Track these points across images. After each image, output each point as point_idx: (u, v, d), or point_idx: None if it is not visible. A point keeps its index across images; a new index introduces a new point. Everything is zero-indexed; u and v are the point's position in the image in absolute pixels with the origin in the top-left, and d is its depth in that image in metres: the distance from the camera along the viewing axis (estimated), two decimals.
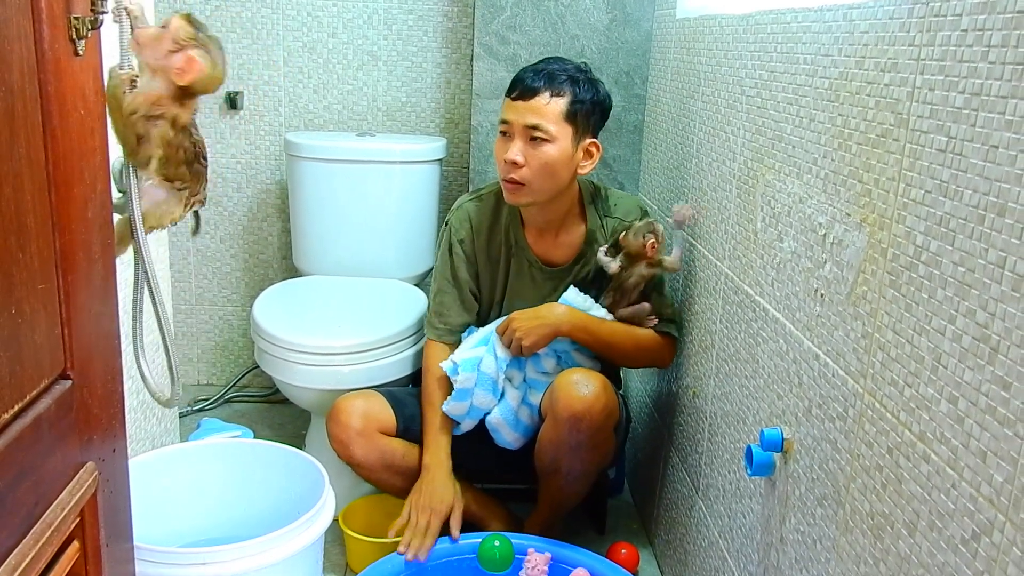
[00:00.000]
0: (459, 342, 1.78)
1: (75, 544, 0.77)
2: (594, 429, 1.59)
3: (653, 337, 1.69)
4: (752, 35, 1.37)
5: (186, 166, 1.33)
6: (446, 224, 1.81)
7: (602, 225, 1.75)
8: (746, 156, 1.38)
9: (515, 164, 1.62)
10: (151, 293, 1.35)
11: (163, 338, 1.41)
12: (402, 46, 2.38)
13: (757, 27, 1.34)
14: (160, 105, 1.25)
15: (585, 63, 1.71)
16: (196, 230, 1.57)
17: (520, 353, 1.67)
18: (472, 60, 2.18)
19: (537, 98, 1.61)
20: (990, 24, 0.76)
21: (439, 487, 1.68)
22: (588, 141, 1.66)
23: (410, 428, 1.76)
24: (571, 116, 1.62)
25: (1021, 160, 0.71)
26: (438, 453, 1.71)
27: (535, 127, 1.61)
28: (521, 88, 1.63)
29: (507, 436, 1.73)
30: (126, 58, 1.24)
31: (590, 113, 1.65)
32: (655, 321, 1.69)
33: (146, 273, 1.32)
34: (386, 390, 1.82)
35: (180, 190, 1.35)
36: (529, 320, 1.66)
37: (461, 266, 1.78)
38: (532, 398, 1.73)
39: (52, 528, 0.71)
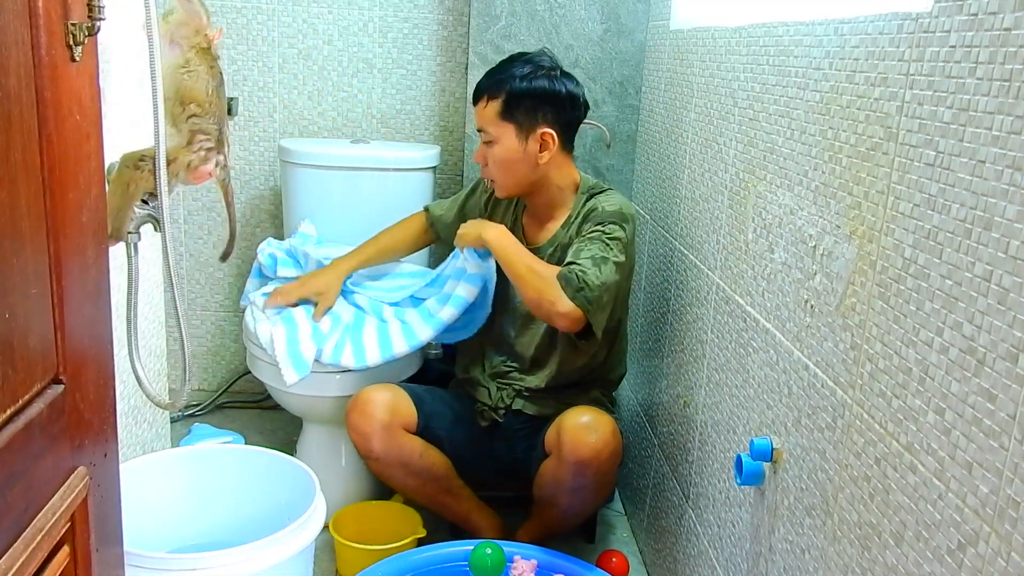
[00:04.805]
0: (429, 232, 1.98)
1: (65, 549, 0.77)
2: (599, 474, 1.60)
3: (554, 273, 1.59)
4: (744, 48, 1.38)
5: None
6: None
7: (579, 212, 1.73)
8: (738, 167, 1.39)
9: (484, 165, 1.73)
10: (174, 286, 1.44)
11: (181, 337, 1.46)
12: (397, 54, 2.39)
13: (750, 40, 1.36)
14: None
15: (549, 57, 1.71)
16: (225, 255, 1.67)
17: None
18: (467, 69, 2.19)
19: (479, 103, 1.70)
20: (977, 41, 0.77)
21: (323, 275, 1.90)
22: (540, 131, 1.67)
23: (429, 426, 1.75)
24: (507, 114, 1.66)
25: (1007, 175, 0.72)
26: (345, 263, 1.93)
27: (481, 130, 1.70)
28: (474, 93, 1.72)
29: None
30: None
31: (534, 105, 1.65)
32: None
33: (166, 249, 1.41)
34: (405, 384, 1.81)
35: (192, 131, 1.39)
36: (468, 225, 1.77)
37: (468, 203, 1.91)
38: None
39: (42, 532, 0.71)
